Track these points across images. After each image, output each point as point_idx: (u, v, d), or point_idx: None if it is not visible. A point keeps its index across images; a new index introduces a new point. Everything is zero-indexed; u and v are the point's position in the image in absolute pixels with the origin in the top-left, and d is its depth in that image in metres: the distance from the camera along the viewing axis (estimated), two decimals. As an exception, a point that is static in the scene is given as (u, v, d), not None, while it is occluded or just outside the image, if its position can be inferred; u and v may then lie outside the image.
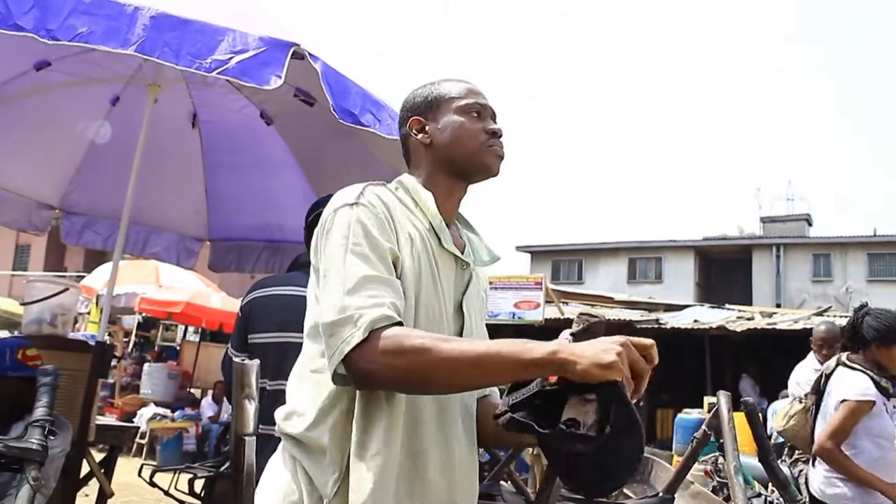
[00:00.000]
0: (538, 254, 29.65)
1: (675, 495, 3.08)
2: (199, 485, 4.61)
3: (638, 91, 77.03)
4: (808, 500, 3.26)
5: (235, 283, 13.66)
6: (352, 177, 2.12)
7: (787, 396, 5.13)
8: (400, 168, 1.66)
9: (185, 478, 4.70)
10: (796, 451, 4.74)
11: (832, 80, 67.05)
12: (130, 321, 13.44)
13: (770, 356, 12.23)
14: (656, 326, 13.16)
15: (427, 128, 1.58)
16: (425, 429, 1.39)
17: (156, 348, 14.67)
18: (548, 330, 13.54)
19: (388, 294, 1.32)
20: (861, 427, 3.09)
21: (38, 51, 3.61)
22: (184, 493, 4.50)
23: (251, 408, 1.07)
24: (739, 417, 3.03)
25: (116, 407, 10.94)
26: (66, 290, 3.83)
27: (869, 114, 63.44)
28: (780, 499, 3.21)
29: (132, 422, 9.58)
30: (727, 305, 15.47)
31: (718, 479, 4.48)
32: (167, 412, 10.79)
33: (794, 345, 7.85)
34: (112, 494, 3.81)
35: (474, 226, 1.68)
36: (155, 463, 8.32)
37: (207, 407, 11.09)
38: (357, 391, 1.33)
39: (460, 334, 1.49)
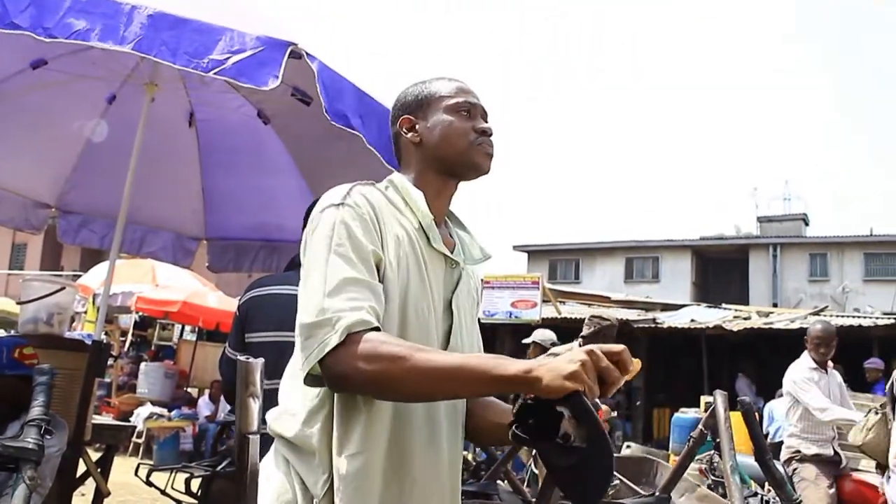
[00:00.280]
0: (535, 253, 29.67)
1: (683, 498, 3.09)
2: (195, 484, 4.61)
3: (635, 91, 77.12)
4: None
5: (232, 283, 13.65)
6: (350, 176, 2.12)
7: (783, 395, 5.14)
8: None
9: (181, 477, 4.69)
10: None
11: (829, 81, 67.20)
12: (127, 320, 13.40)
13: (766, 356, 12.25)
14: (653, 326, 13.19)
15: (417, 126, 1.58)
16: (412, 429, 1.40)
17: (152, 347, 14.66)
18: (545, 328, 13.56)
19: (367, 298, 1.32)
20: None
21: (35, 49, 3.61)
22: (180, 492, 4.49)
23: (255, 406, 1.07)
24: (736, 417, 3.03)
25: (113, 406, 10.93)
26: (63, 289, 3.82)
27: (866, 114, 63.59)
28: (777, 498, 3.21)
29: (129, 421, 9.59)
30: (724, 305, 15.50)
31: (714, 478, 4.48)
32: (164, 411, 10.79)
33: (790, 344, 7.86)
34: (108, 494, 3.81)
35: (466, 224, 1.68)
36: (151, 462, 8.32)
37: (204, 406, 11.09)
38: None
39: (449, 332, 1.50)
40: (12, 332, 3.81)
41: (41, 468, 2.12)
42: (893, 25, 63.74)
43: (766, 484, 4.19)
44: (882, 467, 4.18)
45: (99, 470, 3.82)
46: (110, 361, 10.76)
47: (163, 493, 4.56)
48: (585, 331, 5.08)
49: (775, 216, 29.94)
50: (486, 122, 1.60)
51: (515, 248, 30.04)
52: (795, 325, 12.21)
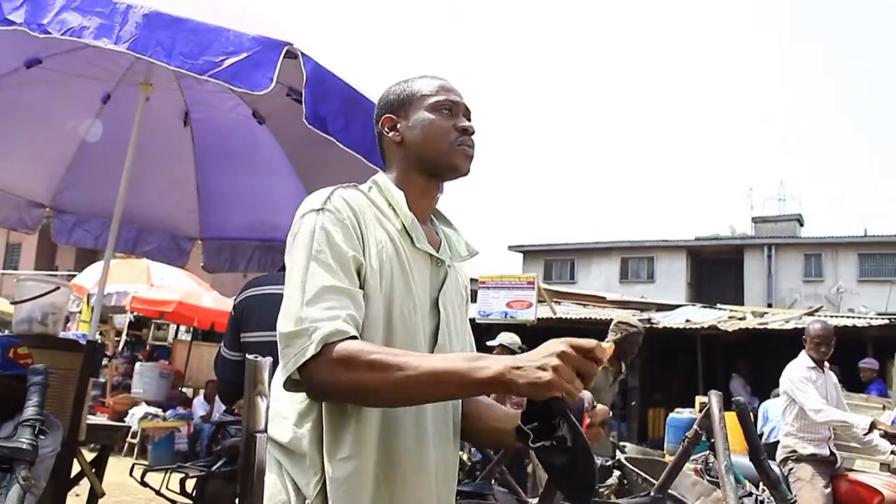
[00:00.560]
0: (530, 253, 29.66)
1: (699, 502, 3.10)
2: (190, 484, 4.60)
3: (631, 91, 77.22)
4: None
5: (227, 282, 13.63)
6: (345, 175, 2.11)
7: (779, 396, 5.15)
8: None
9: (176, 477, 4.68)
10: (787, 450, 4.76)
11: (825, 81, 67.37)
12: (122, 320, 13.39)
13: (761, 356, 12.27)
14: (648, 326, 13.19)
15: (398, 126, 1.58)
16: (402, 431, 1.40)
17: (147, 347, 14.62)
18: (540, 329, 13.59)
19: (345, 306, 1.33)
20: None
21: (29, 48, 3.60)
22: (175, 492, 4.49)
23: (263, 405, 1.08)
24: (731, 417, 3.04)
25: (108, 406, 10.89)
26: (57, 288, 3.81)
27: (861, 115, 63.76)
28: (771, 498, 3.21)
29: (123, 421, 9.56)
30: (719, 305, 15.52)
31: (709, 478, 4.48)
32: (159, 411, 10.75)
33: (785, 345, 7.87)
34: (103, 494, 3.80)
35: (452, 221, 1.68)
36: (146, 462, 8.30)
37: (199, 406, 11.07)
38: None
39: (436, 331, 1.50)
40: (6, 332, 3.79)
41: (35, 469, 2.11)
42: (887, 26, 63.92)
43: (761, 484, 4.21)
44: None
45: (94, 470, 3.81)
46: (105, 361, 10.73)
47: (158, 493, 4.55)
48: (611, 336, 5.04)
49: (770, 216, 29.99)
50: (469, 120, 1.58)
51: (511, 248, 30.04)
52: (790, 326, 12.23)
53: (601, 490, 3.40)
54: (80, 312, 11.40)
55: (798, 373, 4.80)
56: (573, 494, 1.36)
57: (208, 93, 4.18)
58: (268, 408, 1.08)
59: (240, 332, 3.02)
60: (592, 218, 61.29)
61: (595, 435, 4.06)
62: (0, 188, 4.63)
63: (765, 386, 10.10)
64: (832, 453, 4.75)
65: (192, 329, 13.82)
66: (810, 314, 13.59)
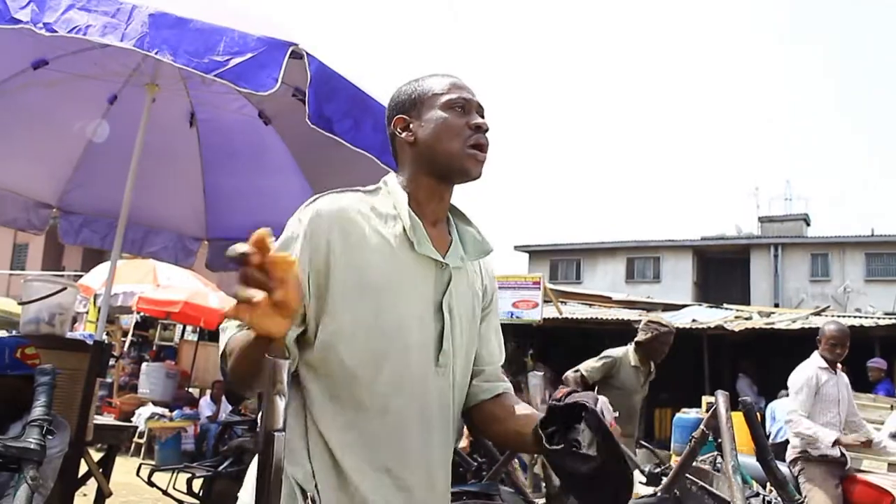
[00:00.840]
0: (536, 253, 29.65)
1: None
2: (197, 484, 4.61)
3: (637, 91, 77.09)
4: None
5: (234, 283, 13.61)
6: (352, 175, 2.12)
7: (787, 396, 5.13)
8: None
9: (183, 477, 4.70)
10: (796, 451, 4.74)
11: (831, 80, 67.13)
12: (128, 320, 13.40)
13: (768, 356, 12.24)
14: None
15: (411, 125, 1.56)
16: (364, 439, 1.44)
17: (154, 348, 14.65)
18: (546, 329, 13.57)
19: None
20: None
21: (36, 49, 3.61)
22: (182, 492, 4.51)
23: (282, 404, 1.08)
24: (738, 417, 3.03)
25: (115, 406, 10.92)
26: (64, 289, 3.82)
27: (867, 114, 63.52)
28: (779, 498, 3.21)
29: (130, 421, 9.58)
30: (725, 305, 15.48)
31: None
32: (165, 412, 10.78)
33: (791, 344, 7.86)
34: (110, 494, 3.81)
35: (471, 218, 1.66)
36: (153, 462, 8.32)
37: (206, 406, 11.08)
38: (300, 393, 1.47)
39: (441, 336, 1.49)
40: (14, 333, 3.81)
41: (43, 469, 2.11)
42: (893, 24, 63.69)
43: (768, 484, 4.20)
44: None
45: (101, 470, 3.82)
46: (112, 362, 10.76)
47: (164, 493, 4.57)
48: (641, 336, 5.07)
49: (776, 216, 29.92)
50: (483, 117, 1.57)
51: (517, 248, 30.03)
52: (797, 326, 12.20)
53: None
54: (86, 313, 11.43)
55: (804, 374, 4.78)
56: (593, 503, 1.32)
57: (214, 93, 4.18)
58: (286, 407, 1.09)
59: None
60: (598, 218, 61.22)
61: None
62: (8, 189, 4.65)
63: (771, 386, 10.07)
64: (842, 454, 4.72)
65: (198, 329, 13.84)
66: (817, 314, 13.55)
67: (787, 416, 4.72)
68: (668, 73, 74.24)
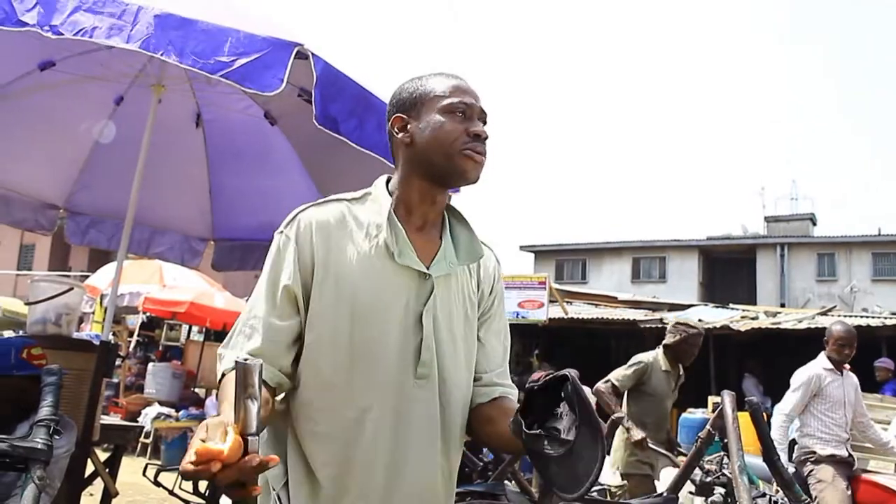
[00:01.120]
0: (542, 253, 29.62)
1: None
2: (203, 484, 4.61)
3: (642, 91, 76.97)
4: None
5: (239, 283, 13.68)
6: (357, 175, 2.11)
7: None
8: None
9: (189, 477, 4.69)
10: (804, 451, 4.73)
11: (838, 80, 66.94)
12: (134, 321, 13.44)
13: (774, 356, 12.20)
14: (660, 326, 13.13)
15: (409, 126, 1.53)
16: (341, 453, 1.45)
17: (160, 348, 14.68)
18: (551, 329, 13.56)
19: (252, 340, 1.44)
20: None
21: (43, 51, 3.62)
22: (188, 492, 4.50)
23: (254, 408, 1.08)
24: (744, 417, 3.02)
25: (121, 406, 10.93)
26: (71, 289, 3.83)
27: (874, 113, 63.31)
28: (785, 498, 3.19)
29: (137, 421, 9.60)
30: (731, 305, 15.44)
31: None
32: (171, 412, 10.79)
33: (798, 344, 7.84)
34: (117, 494, 3.82)
35: (467, 221, 1.63)
36: (160, 462, 8.32)
37: (212, 406, 11.08)
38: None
39: (419, 347, 1.47)
40: (21, 333, 3.82)
41: (50, 469, 2.12)
42: (891, 24, 63.44)
43: (775, 484, 4.19)
44: None
45: (107, 470, 3.83)
46: (118, 362, 10.75)
47: (171, 493, 4.57)
48: (670, 339, 4.95)
49: (783, 216, 29.83)
50: (485, 123, 1.54)
51: (522, 248, 30.01)
52: (803, 326, 12.16)
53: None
54: (93, 313, 11.46)
55: (806, 373, 4.78)
56: (563, 484, 1.27)
57: (220, 94, 4.19)
58: (258, 411, 1.09)
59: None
60: (604, 218, 61.17)
61: None
62: (15, 190, 4.67)
63: (777, 386, 10.01)
64: (850, 455, 4.72)
65: (204, 329, 13.86)
66: (823, 314, 13.50)
67: (777, 413, 4.73)
68: (674, 72, 74.14)
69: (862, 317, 13.92)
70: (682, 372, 5.01)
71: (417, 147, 1.51)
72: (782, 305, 21.48)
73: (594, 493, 4.38)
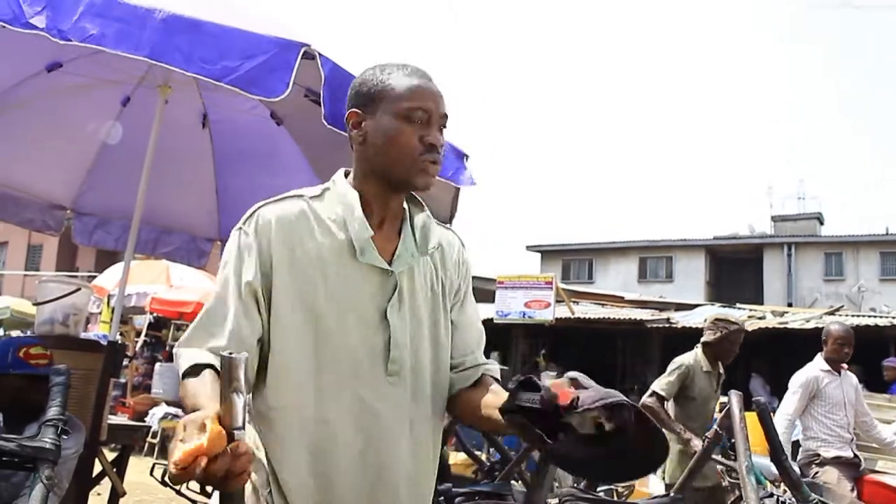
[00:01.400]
0: (548, 253, 29.60)
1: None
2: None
3: (648, 90, 76.83)
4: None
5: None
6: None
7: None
8: None
9: (196, 477, 4.70)
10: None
11: (845, 79, 66.69)
12: (141, 321, 13.47)
13: (781, 356, 12.16)
14: (667, 326, 13.13)
15: (363, 124, 1.48)
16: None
17: (167, 348, 14.68)
18: (558, 329, 13.54)
19: (217, 339, 1.38)
20: None
21: (50, 52, 3.63)
22: (195, 492, 4.51)
23: (239, 402, 1.08)
24: (751, 417, 3.02)
25: (128, 406, 10.97)
26: (78, 290, 3.85)
27: (882, 112, 63.07)
28: (793, 499, 3.19)
29: (144, 421, 9.62)
30: (738, 305, 15.40)
31: (730, 479, 4.44)
32: (178, 411, 10.79)
33: (805, 344, 7.80)
34: (124, 493, 3.83)
35: (427, 212, 1.59)
36: (167, 462, 8.36)
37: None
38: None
39: (388, 344, 1.45)
40: (28, 333, 3.84)
41: (58, 469, 2.13)
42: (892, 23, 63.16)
43: (782, 484, 4.17)
44: None
45: (115, 470, 3.84)
46: (125, 362, 10.81)
47: (178, 492, 4.58)
48: (709, 336, 4.67)
49: (790, 215, 29.75)
50: (444, 127, 1.49)
51: (529, 248, 30.00)
52: (810, 325, 12.12)
53: None
54: (100, 313, 11.50)
55: (803, 376, 4.76)
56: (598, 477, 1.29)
57: (226, 95, 4.18)
58: (244, 405, 1.09)
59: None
60: (610, 217, 61.09)
61: None
62: (23, 191, 4.68)
63: (784, 386, 9.97)
64: (855, 455, 4.70)
65: (210, 330, 13.87)
66: (831, 314, 13.46)
67: (778, 414, 4.70)
68: (681, 72, 73.98)
69: (870, 316, 13.88)
70: (722, 370, 4.76)
71: (370, 148, 1.47)
72: (789, 305, 21.42)
73: (601, 493, 4.37)
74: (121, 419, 6.63)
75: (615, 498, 5.28)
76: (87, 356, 3.49)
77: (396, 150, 1.43)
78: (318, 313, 1.42)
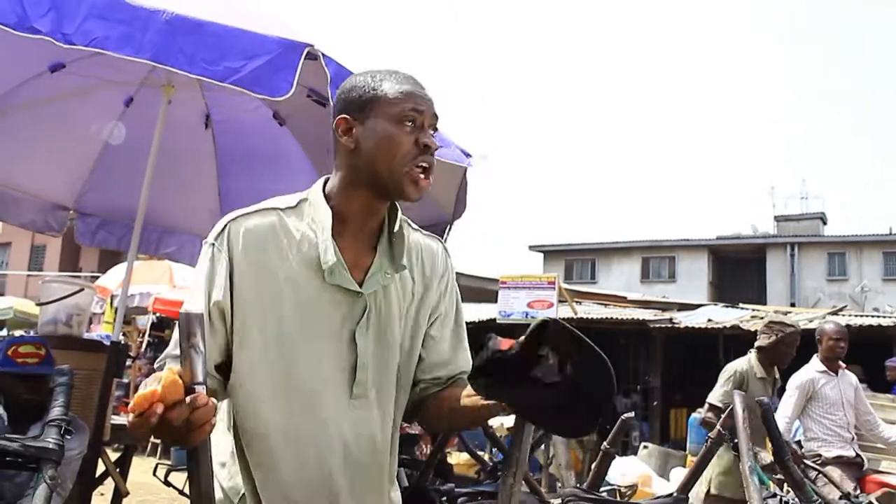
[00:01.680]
0: (551, 253, 29.60)
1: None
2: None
3: (650, 90, 76.78)
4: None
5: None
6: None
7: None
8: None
9: (199, 477, 4.70)
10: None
11: (847, 78, 66.61)
12: (144, 321, 13.49)
13: (784, 355, 12.15)
14: (670, 326, 13.11)
15: (354, 130, 1.44)
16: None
17: (170, 348, 14.72)
18: (561, 329, 13.50)
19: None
20: None
21: (54, 53, 3.63)
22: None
23: (199, 359, 1.08)
24: (754, 417, 3.01)
25: (131, 406, 10.98)
26: (82, 290, 3.86)
27: (883, 111, 62.98)
28: (796, 499, 3.18)
29: (147, 421, 9.62)
30: (741, 305, 15.37)
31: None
32: (181, 412, 10.82)
33: (808, 344, 7.77)
34: (127, 493, 3.83)
35: (410, 227, 1.56)
36: (170, 462, 8.35)
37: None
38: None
39: (354, 367, 1.43)
40: (31, 333, 3.85)
41: (62, 470, 2.13)
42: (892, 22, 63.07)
43: (786, 485, 4.17)
44: None
45: (118, 470, 3.85)
46: (128, 362, 10.82)
47: (181, 492, 4.58)
48: (764, 341, 4.54)
49: (792, 215, 29.73)
50: (435, 129, 1.46)
51: (531, 248, 30.01)
52: (813, 325, 12.04)
53: None
54: (103, 313, 11.51)
55: (800, 378, 4.76)
56: (570, 427, 1.27)
57: (229, 95, 4.19)
58: (204, 362, 1.08)
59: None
60: (613, 218, 61.07)
61: None
62: (26, 191, 4.69)
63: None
64: (857, 455, 4.69)
65: (213, 330, 13.88)
66: (834, 314, 13.43)
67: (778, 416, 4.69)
68: (682, 71, 73.93)
69: (873, 316, 13.85)
70: (778, 376, 4.61)
71: (361, 155, 1.43)
72: (792, 305, 21.40)
73: (604, 493, 4.36)
74: (124, 419, 6.62)
75: (618, 498, 5.27)
76: (90, 356, 3.49)
77: (390, 153, 1.40)
78: (284, 333, 1.40)
